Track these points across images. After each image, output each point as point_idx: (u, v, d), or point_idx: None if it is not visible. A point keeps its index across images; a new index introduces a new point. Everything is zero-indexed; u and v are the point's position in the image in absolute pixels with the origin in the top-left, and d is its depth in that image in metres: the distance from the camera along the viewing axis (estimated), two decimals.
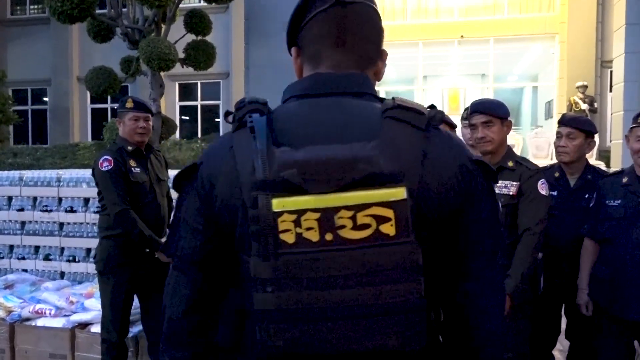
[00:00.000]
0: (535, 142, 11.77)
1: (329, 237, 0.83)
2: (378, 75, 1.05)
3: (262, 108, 0.93)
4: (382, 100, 0.96)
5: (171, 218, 3.02)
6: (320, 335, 0.84)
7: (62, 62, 14.46)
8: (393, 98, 0.92)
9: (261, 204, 0.83)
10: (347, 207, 0.82)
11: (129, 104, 3.12)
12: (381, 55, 1.04)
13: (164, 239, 3.09)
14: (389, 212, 0.82)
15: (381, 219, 0.82)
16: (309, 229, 0.83)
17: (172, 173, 4.13)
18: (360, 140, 0.86)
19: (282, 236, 0.83)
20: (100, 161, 2.98)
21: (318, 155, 0.84)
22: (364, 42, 1.00)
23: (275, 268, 0.83)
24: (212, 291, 0.98)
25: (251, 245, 0.85)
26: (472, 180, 0.92)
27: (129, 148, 3.08)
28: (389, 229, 0.82)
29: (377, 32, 1.02)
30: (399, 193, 0.82)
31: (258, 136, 0.86)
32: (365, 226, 0.83)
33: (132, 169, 3.04)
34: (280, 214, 0.83)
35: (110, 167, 2.95)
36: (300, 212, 0.83)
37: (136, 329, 3.41)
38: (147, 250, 3.03)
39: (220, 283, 0.98)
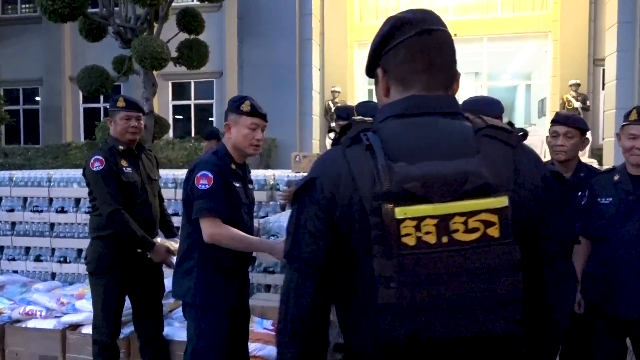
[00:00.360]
0: (528, 140, 11.79)
1: (444, 239, 0.98)
2: (455, 93, 1.19)
3: (371, 127, 1.10)
4: (468, 118, 1.12)
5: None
6: (437, 324, 0.98)
7: (54, 62, 14.37)
8: (481, 117, 1.11)
9: (385, 212, 0.97)
10: (460, 214, 0.98)
11: (121, 103, 3.08)
12: (458, 75, 1.19)
13: (158, 239, 3.07)
14: (494, 218, 0.98)
15: (488, 224, 0.98)
16: (427, 232, 0.98)
17: (164, 173, 4.11)
18: (461, 156, 1.02)
19: (404, 239, 0.97)
20: (92, 161, 2.95)
21: (435, 170, 0.99)
22: (447, 66, 1.15)
23: (398, 267, 0.97)
24: (330, 291, 1.11)
25: (371, 248, 0.99)
26: (551, 189, 1.12)
27: (121, 147, 3.05)
28: (494, 231, 0.98)
29: (454, 55, 1.18)
30: (503, 201, 0.98)
31: (377, 153, 1.02)
32: (475, 230, 0.98)
33: (124, 168, 3.01)
34: (403, 220, 0.97)
35: (101, 167, 2.92)
36: (420, 219, 0.98)
37: (127, 330, 3.38)
38: (139, 250, 3.00)
39: (335, 284, 1.11)
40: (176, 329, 3.39)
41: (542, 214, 1.09)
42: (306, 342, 1.11)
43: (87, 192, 3.08)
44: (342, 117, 3.47)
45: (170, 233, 3.31)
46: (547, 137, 3.01)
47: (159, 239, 3.08)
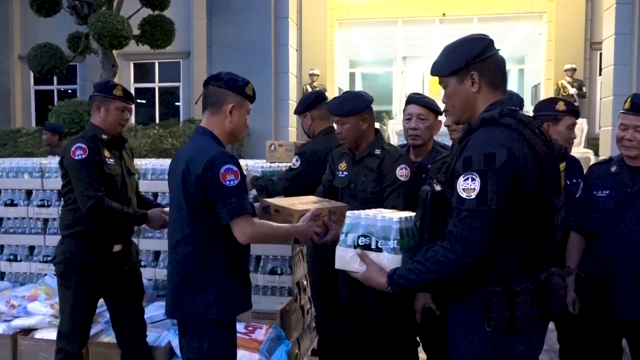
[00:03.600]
0: None
1: (563, 183, 1.97)
2: None
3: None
4: None
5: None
6: None
7: (1, 39, 14.04)
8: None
9: (557, 169, 1.84)
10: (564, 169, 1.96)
11: (118, 92, 3.01)
12: None
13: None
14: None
15: None
16: (563, 179, 1.94)
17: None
18: None
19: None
20: (73, 149, 2.88)
21: (558, 144, 2.03)
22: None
23: (559, 201, 1.85)
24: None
25: (547, 191, 1.78)
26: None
27: (104, 137, 3.00)
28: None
29: None
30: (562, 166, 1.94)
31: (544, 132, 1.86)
32: None
33: (107, 159, 2.97)
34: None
35: (84, 156, 2.86)
36: (563, 171, 1.92)
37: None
38: (115, 249, 2.98)
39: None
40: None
41: None
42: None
43: (62, 184, 3.02)
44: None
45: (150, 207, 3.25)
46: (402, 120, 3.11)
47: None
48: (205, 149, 2.31)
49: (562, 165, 1.87)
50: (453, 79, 1.88)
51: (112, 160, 3.00)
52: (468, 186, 1.69)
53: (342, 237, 2.06)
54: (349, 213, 2.09)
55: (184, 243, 2.33)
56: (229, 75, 2.43)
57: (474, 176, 1.69)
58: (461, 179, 1.71)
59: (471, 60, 1.83)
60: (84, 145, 2.89)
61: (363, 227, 2.00)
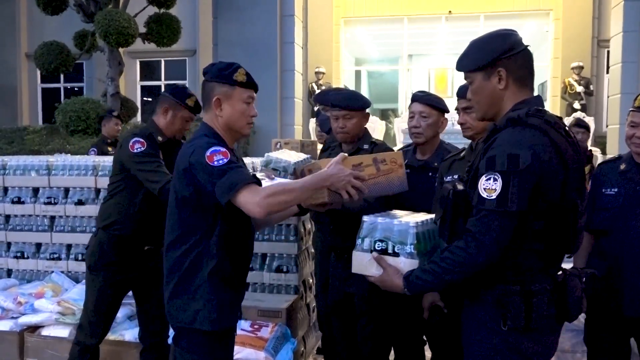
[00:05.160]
0: None
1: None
2: None
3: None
4: None
5: None
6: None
7: (8, 36, 14.10)
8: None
9: (582, 172, 1.81)
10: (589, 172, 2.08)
11: (191, 102, 2.99)
12: None
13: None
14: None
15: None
16: (587, 182, 1.90)
17: None
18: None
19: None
20: (131, 143, 2.88)
21: (583, 146, 2.15)
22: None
23: (582, 204, 1.82)
24: None
25: (572, 194, 1.74)
26: None
27: (159, 139, 2.99)
28: None
29: None
30: None
31: (570, 134, 1.82)
32: None
33: (161, 160, 2.95)
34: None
35: (143, 148, 2.87)
36: (587, 174, 1.86)
37: None
38: (147, 248, 2.99)
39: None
40: None
41: None
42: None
43: (110, 179, 3.04)
44: (324, 103, 3.53)
45: None
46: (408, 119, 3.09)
47: None
48: (194, 142, 2.18)
49: (587, 168, 1.87)
50: (479, 75, 1.85)
51: (163, 162, 2.97)
52: (490, 186, 1.68)
53: (358, 241, 2.03)
54: (365, 217, 2.05)
55: (172, 248, 2.23)
56: (217, 65, 2.26)
57: (496, 176, 1.68)
58: (483, 178, 1.71)
59: (499, 56, 1.80)
60: (142, 140, 2.90)
61: (380, 231, 1.98)
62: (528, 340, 1.75)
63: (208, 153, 2.06)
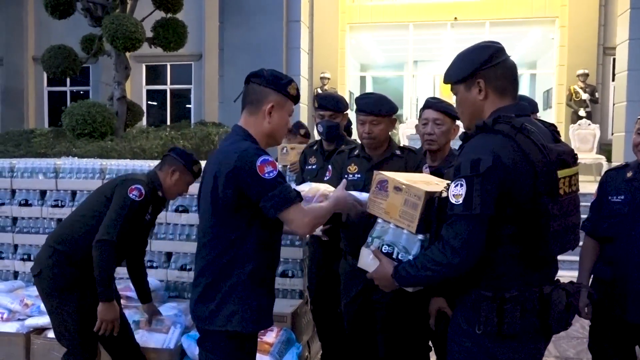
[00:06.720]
0: None
1: (570, 189, 1.84)
2: None
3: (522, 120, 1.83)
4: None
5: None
6: (571, 240, 1.90)
7: (15, 40, 14.17)
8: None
9: (553, 175, 1.76)
10: (575, 174, 1.87)
11: (197, 167, 3.04)
12: None
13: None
14: (577, 177, 1.90)
15: (576, 181, 1.90)
16: (568, 185, 1.83)
17: (139, 163, 4.09)
18: (556, 141, 1.90)
19: (560, 191, 1.78)
20: (132, 187, 2.90)
21: (567, 149, 1.88)
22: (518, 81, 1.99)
23: (559, 207, 1.77)
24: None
25: (541, 198, 1.74)
26: None
27: (159, 194, 3.06)
28: (576, 185, 1.90)
29: None
30: (578, 168, 1.91)
31: (539, 139, 1.79)
32: (575, 184, 1.88)
33: (147, 214, 3.04)
34: (560, 178, 1.78)
35: (137, 200, 2.89)
36: (568, 177, 1.82)
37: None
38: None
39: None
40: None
41: None
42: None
43: (103, 203, 2.99)
44: (328, 107, 3.53)
45: (147, 299, 3.29)
46: (415, 125, 3.11)
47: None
48: (237, 145, 2.18)
49: (574, 170, 1.87)
50: (462, 87, 1.94)
51: (148, 216, 3.06)
52: (457, 192, 1.74)
53: (368, 239, 2.11)
54: (380, 219, 2.11)
55: (206, 248, 2.24)
56: (272, 73, 2.29)
57: (462, 182, 1.73)
58: (452, 184, 1.77)
59: (478, 68, 1.87)
60: (143, 191, 2.92)
61: (389, 235, 2.04)
62: (505, 347, 1.77)
63: (259, 163, 2.09)
